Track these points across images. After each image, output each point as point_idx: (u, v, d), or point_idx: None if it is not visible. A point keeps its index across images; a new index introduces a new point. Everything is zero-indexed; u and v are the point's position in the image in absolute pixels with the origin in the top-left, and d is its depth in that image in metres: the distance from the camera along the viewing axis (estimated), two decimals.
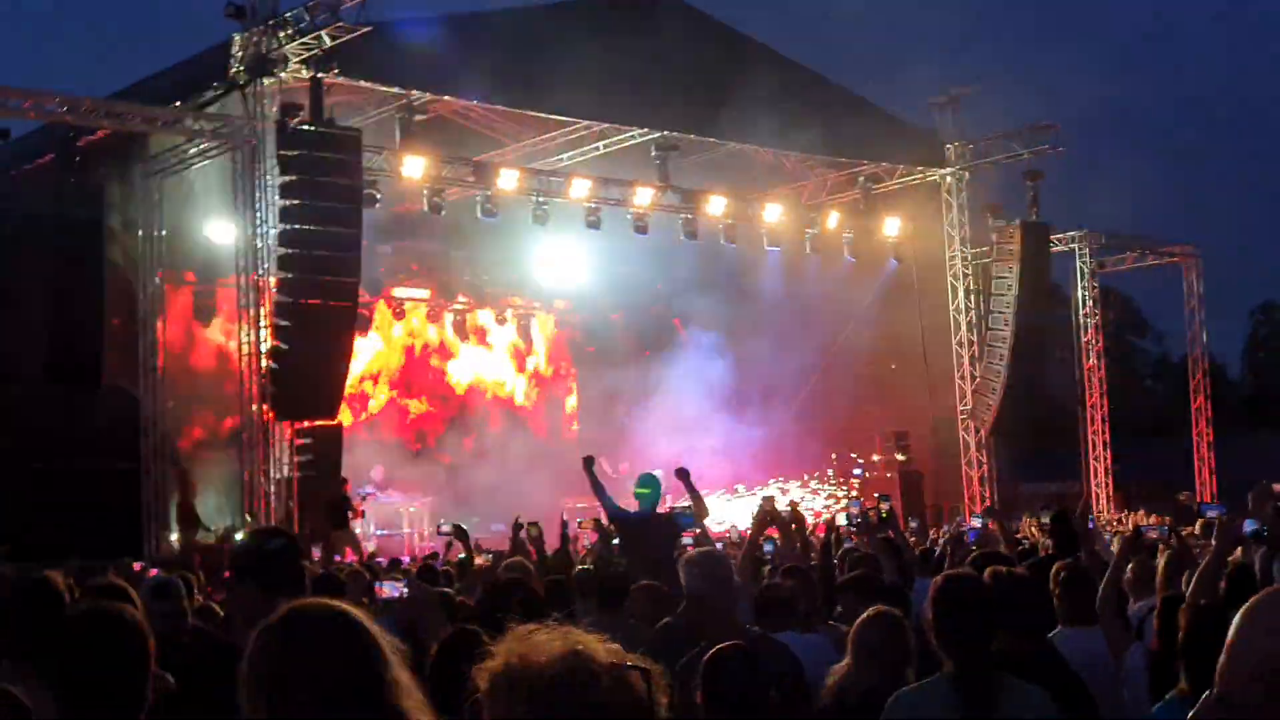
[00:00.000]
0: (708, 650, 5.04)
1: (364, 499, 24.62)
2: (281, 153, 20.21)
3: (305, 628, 2.70)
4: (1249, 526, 7.85)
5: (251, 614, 3.88)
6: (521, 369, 32.21)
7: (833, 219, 28.50)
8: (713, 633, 5.89)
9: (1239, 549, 8.00)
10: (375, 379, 29.36)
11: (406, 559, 20.28)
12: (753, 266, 29.30)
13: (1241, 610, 1.88)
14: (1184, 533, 10.36)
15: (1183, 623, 4.92)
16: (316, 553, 19.77)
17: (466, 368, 31.08)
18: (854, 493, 26.90)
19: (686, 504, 11.64)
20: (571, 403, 32.67)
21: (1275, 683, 1.68)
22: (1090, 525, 12.22)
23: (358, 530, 23.26)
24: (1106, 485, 30.05)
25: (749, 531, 10.38)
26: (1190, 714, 1.75)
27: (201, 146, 21.71)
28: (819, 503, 26.97)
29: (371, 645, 2.68)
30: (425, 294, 30.04)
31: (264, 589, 4.08)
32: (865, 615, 5.57)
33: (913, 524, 21.97)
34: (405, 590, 8.23)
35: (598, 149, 26.00)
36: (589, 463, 11.93)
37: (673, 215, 27.24)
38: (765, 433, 28.60)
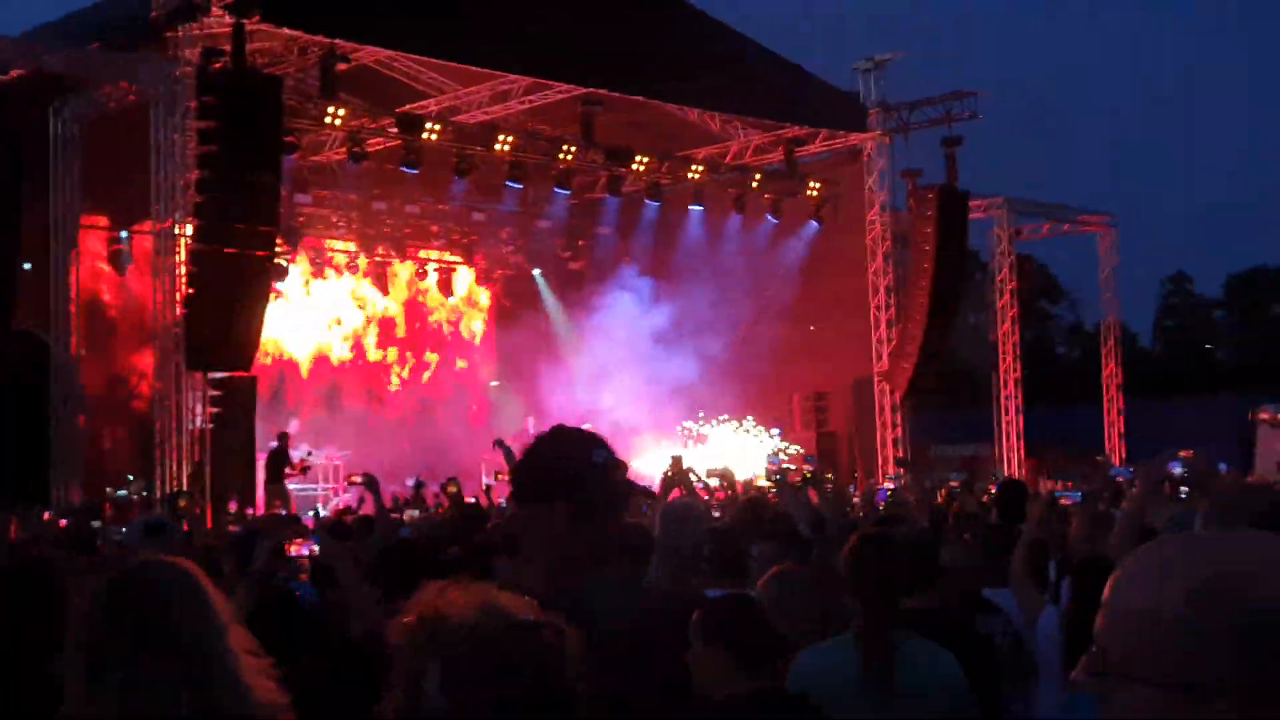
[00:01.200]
0: (667, 602, 5.03)
1: (308, 455, 24.41)
2: (201, 98, 19.91)
3: (137, 590, 2.70)
4: (1175, 467, 7.96)
5: (550, 540, 3.24)
6: (440, 323, 32.03)
7: (756, 180, 28.57)
8: (669, 587, 5.79)
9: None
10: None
11: (310, 514, 20.20)
12: (675, 225, 29.35)
13: (1116, 569, 1.94)
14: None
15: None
16: (233, 505, 19.68)
17: (381, 320, 30.86)
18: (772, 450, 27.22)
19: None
20: (490, 357, 32.51)
21: (1140, 638, 1.73)
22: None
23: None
24: (1019, 449, 30.41)
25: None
26: (1074, 673, 1.80)
27: (120, 90, 21.34)
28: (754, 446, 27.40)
29: (201, 610, 2.69)
30: (345, 245, 29.74)
31: (581, 510, 3.21)
32: (767, 576, 5.32)
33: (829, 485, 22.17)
34: (316, 548, 8.21)
35: (523, 104, 25.86)
36: (500, 444, 13.01)
37: (596, 171, 27.14)
38: (685, 386, 28.57)
